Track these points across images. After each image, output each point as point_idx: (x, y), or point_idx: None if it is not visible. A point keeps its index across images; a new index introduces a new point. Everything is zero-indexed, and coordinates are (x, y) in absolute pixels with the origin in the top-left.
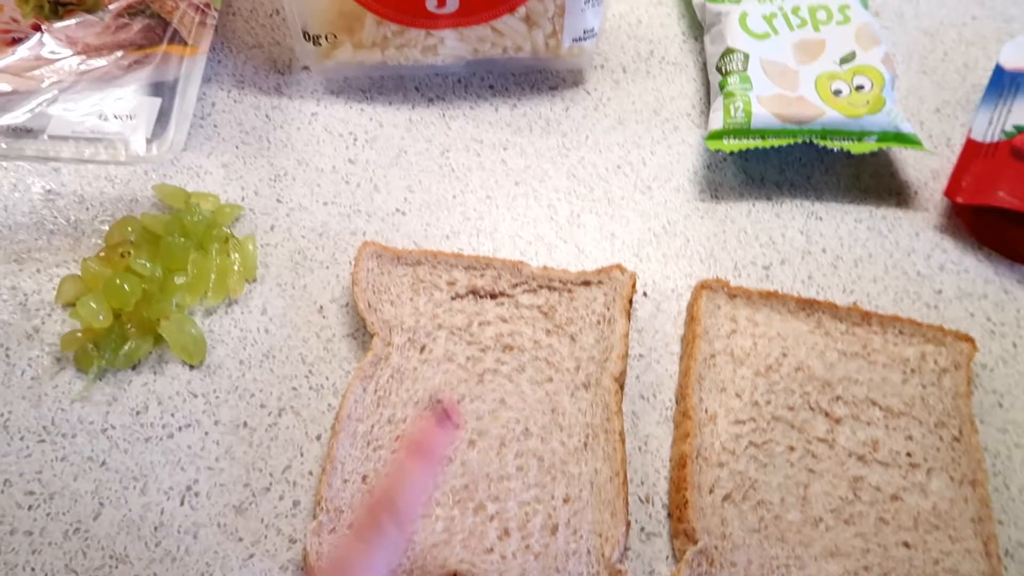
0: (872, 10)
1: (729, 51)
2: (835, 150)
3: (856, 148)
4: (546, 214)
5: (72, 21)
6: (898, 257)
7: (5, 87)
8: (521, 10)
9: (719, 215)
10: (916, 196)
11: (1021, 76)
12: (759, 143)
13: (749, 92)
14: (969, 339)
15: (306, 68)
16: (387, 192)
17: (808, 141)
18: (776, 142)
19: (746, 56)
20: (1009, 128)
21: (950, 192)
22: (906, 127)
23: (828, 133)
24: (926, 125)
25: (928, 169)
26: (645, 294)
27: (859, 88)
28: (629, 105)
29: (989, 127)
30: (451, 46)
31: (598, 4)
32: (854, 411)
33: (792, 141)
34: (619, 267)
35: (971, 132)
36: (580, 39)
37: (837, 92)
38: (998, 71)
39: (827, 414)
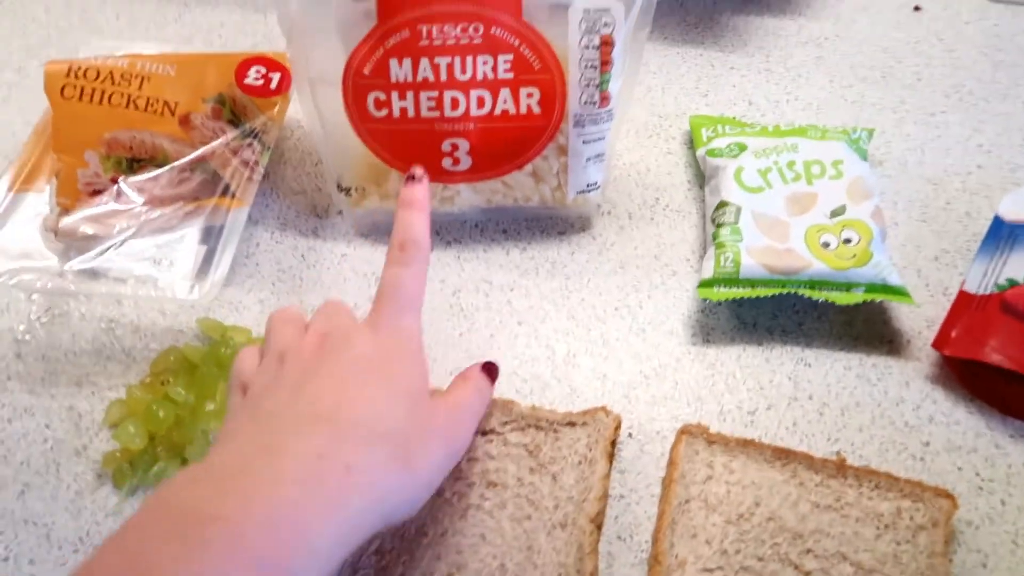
0: (876, 159)
1: (723, 204)
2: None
3: (842, 299)
4: (544, 354)
5: (143, 176)
6: (886, 406)
7: (88, 230)
8: (528, 167)
9: (709, 359)
10: (908, 345)
11: (1019, 228)
12: (748, 292)
13: (739, 243)
14: (949, 496)
15: (340, 213)
16: None
17: (795, 292)
18: (764, 292)
19: (739, 209)
20: (1002, 281)
21: (938, 343)
22: (894, 279)
23: (816, 284)
24: (924, 273)
25: (922, 318)
26: (631, 435)
27: (847, 241)
28: (632, 250)
29: (983, 279)
30: (466, 197)
31: (600, 161)
32: (824, 565)
33: (780, 291)
34: (604, 409)
35: (965, 283)
36: (584, 191)
37: (826, 244)
38: (996, 222)
39: (796, 567)
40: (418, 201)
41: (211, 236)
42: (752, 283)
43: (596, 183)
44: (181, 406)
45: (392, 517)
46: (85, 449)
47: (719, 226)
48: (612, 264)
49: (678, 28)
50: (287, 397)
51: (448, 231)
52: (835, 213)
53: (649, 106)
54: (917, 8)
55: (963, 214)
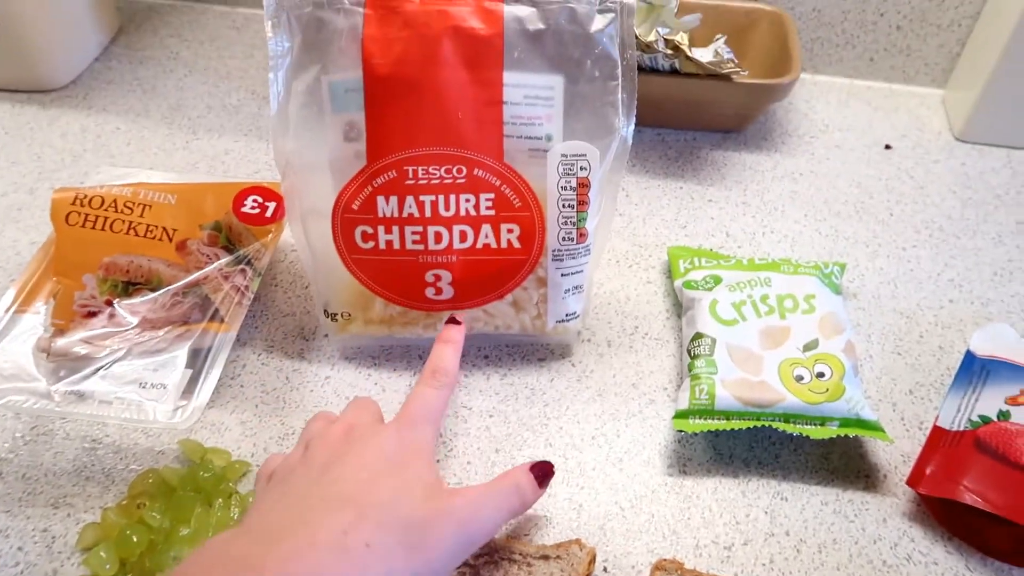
0: (850, 291)
1: (698, 335)
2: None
3: (816, 434)
4: None
5: (138, 300)
6: (863, 544)
7: (80, 351)
8: (509, 297)
9: (686, 491)
10: (885, 480)
11: (991, 363)
12: (722, 424)
13: (714, 375)
14: None
15: (327, 336)
16: None
17: (769, 424)
18: (739, 424)
19: (713, 341)
20: (975, 417)
21: (912, 481)
22: (867, 414)
23: (790, 417)
24: (899, 407)
25: (899, 452)
26: (605, 569)
27: (820, 375)
28: (610, 378)
29: (957, 414)
30: None
31: (579, 292)
32: None
33: (754, 424)
34: (578, 542)
35: (939, 419)
36: (563, 320)
37: (799, 378)
38: (968, 357)
39: None
40: (454, 340)
41: (198, 360)
42: (727, 415)
43: (575, 312)
44: (155, 531)
45: None
46: (56, 574)
47: (694, 357)
48: (591, 392)
49: (659, 162)
50: (315, 476)
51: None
52: (808, 347)
53: (630, 236)
54: (888, 147)
55: (936, 347)
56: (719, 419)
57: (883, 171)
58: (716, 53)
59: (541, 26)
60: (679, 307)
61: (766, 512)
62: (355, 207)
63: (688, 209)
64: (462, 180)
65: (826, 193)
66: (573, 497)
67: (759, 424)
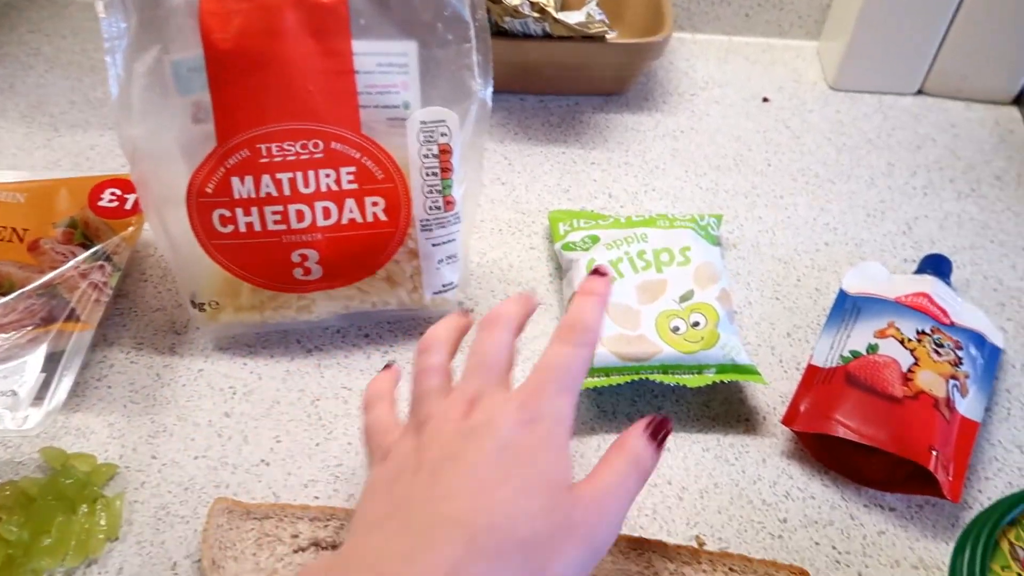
0: (730, 242)
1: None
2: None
3: (693, 382)
4: None
5: None
6: (744, 486)
7: None
8: (381, 272)
9: (570, 450)
10: (765, 422)
11: (862, 300)
12: (602, 381)
13: None
14: (804, 572)
15: (199, 328)
16: (255, 443)
17: (647, 378)
18: (618, 379)
19: None
20: (846, 353)
21: (787, 420)
22: (742, 359)
23: (668, 368)
24: (777, 350)
25: (777, 394)
26: None
27: (695, 325)
28: None
29: (830, 352)
30: (323, 305)
31: (453, 262)
32: None
33: (632, 378)
34: None
35: (812, 357)
36: (441, 292)
37: (675, 329)
38: (840, 295)
39: None
40: (599, 292)
41: (51, 363)
42: (607, 371)
43: (452, 283)
44: (13, 545)
45: None
46: None
47: None
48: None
49: (542, 129)
50: (424, 486)
51: (308, 339)
52: (684, 298)
53: (513, 204)
54: (766, 99)
55: (813, 290)
56: (599, 376)
57: (761, 123)
58: (588, 15)
59: None
60: (561, 270)
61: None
62: (209, 190)
63: (571, 173)
64: (320, 155)
65: (706, 149)
66: None
67: (638, 378)
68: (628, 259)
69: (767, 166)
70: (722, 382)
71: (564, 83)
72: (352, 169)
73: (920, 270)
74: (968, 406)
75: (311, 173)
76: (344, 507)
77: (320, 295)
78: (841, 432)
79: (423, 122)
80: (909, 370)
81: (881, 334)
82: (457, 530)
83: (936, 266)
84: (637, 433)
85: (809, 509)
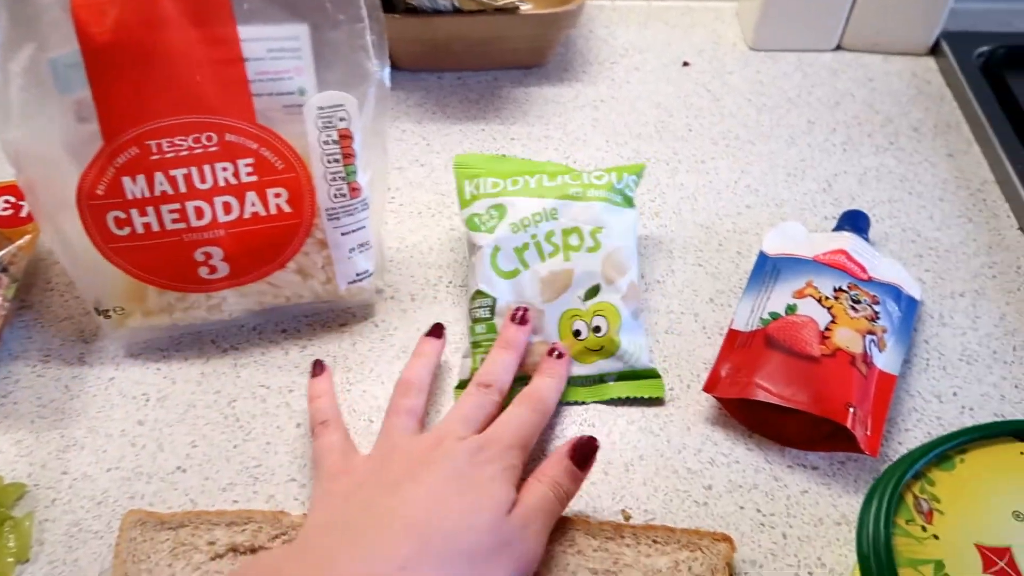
0: (652, 211)
1: (478, 294)
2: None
3: (591, 397)
4: None
5: None
6: (669, 456)
7: None
8: (291, 265)
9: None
10: (689, 389)
11: (782, 261)
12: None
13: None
14: (727, 538)
15: (107, 335)
16: (170, 450)
17: None
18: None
19: (494, 301)
20: (766, 315)
21: (709, 386)
22: (643, 362)
23: (571, 380)
24: (701, 316)
25: (701, 361)
26: None
27: (596, 330)
28: (415, 333)
29: (750, 315)
30: (234, 302)
31: (366, 250)
32: None
33: None
34: None
35: (733, 321)
36: (356, 281)
37: (577, 333)
38: (761, 258)
39: None
40: (559, 375)
41: None
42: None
43: (367, 271)
44: None
45: None
46: None
47: (475, 321)
48: (395, 350)
49: (460, 106)
50: (385, 494)
51: (224, 338)
52: (588, 295)
53: (432, 186)
54: (686, 63)
55: (735, 254)
56: None
57: (682, 88)
58: None
59: None
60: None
61: None
62: (100, 192)
63: (491, 150)
64: (214, 148)
65: (627, 117)
66: None
67: None
68: (535, 244)
69: (688, 131)
70: (618, 398)
71: (480, 58)
72: (250, 161)
73: (839, 227)
74: (886, 360)
75: (207, 168)
76: (262, 509)
77: (230, 293)
78: (761, 396)
79: (320, 108)
80: (826, 328)
81: (799, 294)
82: (411, 532)
83: (853, 222)
84: (558, 459)
85: (734, 474)
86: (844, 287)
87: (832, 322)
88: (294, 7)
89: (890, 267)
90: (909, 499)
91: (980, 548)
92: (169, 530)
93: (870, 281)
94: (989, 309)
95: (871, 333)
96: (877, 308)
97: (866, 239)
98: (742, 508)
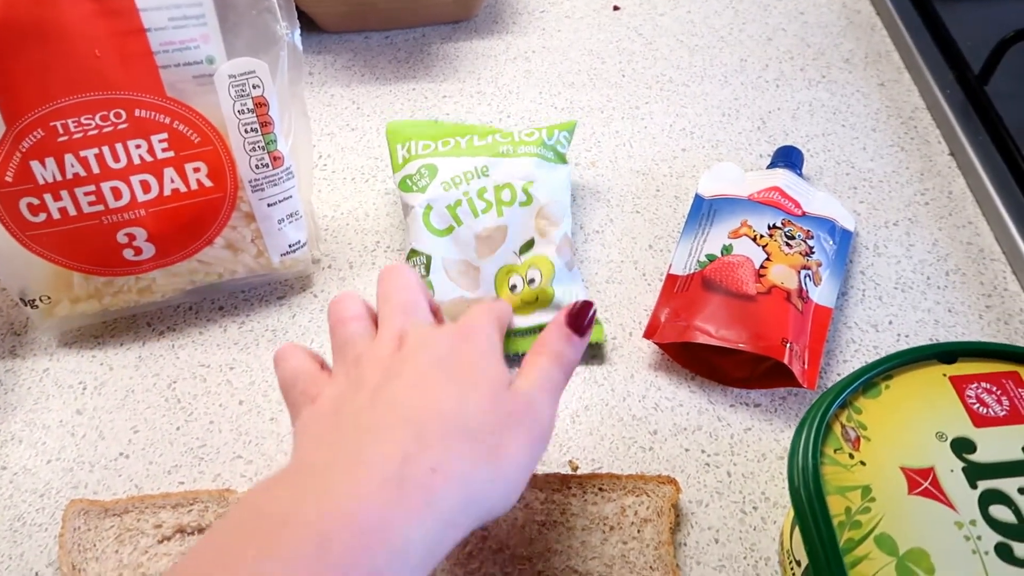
0: (588, 160)
1: (412, 253)
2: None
3: (529, 347)
4: (269, 428)
5: None
6: (613, 404)
7: None
8: (219, 240)
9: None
10: (631, 337)
11: (717, 203)
12: None
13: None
14: (672, 481)
15: (38, 326)
16: (112, 437)
17: None
18: None
19: (429, 259)
20: (703, 258)
21: (648, 333)
22: None
23: (511, 332)
24: (640, 264)
25: (642, 308)
26: None
27: (531, 282)
28: None
29: (688, 258)
30: (165, 283)
31: (296, 219)
32: None
33: None
34: None
35: (671, 266)
36: (289, 252)
37: (513, 287)
38: (697, 200)
39: None
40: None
41: None
42: None
43: (299, 241)
44: None
45: (485, 515)
46: None
47: None
48: None
49: (389, 67)
50: (367, 400)
51: (160, 320)
52: (523, 249)
53: (365, 150)
54: (616, 8)
55: (672, 198)
56: None
57: (613, 34)
58: None
59: None
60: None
61: None
62: (9, 179)
63: (423, 109)
64: (124, 125)
65: (559, 66)
66: None
67: None
68: (468, 201)
69: (621, 77)
70: None
71: (407, 15)
72: (164, 136)
73: (772, 164)
74: (821, 293)
75: (119, 146)
76: (208, 489)
77: (159, 273)
78: (700, 338)
79: (232, 76)
80: (762, 266)
81: (735, 234)
82: (406, 426)
83: (787, 158)
84: (555, 328)
85: (678, 417)
86: (778, 224)
87: (767, 260)
88: None
89: (824, 201)
90: (837, 428)
91: (905, 470)
92: (114, 516)
93: (804, 216)
94: (922, 236)
95: (806, 268)
96: (811, 243)
97: (800, 174)
98: (687, 450)
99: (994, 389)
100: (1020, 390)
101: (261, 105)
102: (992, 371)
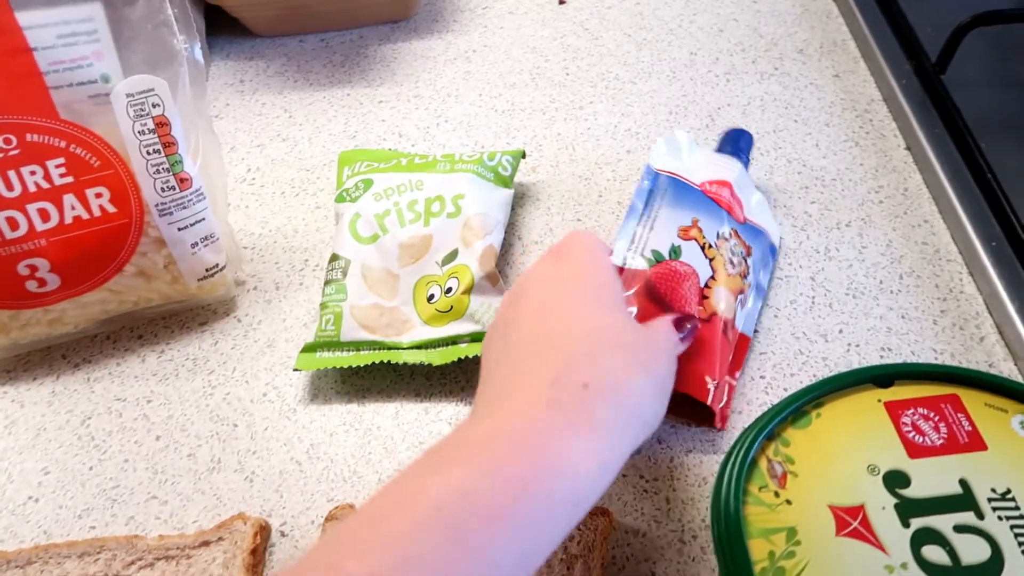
0: (529, 166)
1: (334, 258)
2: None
3: (439, 359)
4: (186, 465)
5: None
6: None
7: None
8: (129, 268)
9: (365, 424)
10: None
11: (671, 183)
12: (349, 359)
13: (343, 302)
14: (605, 512)
15: None
16: (21, 480)
17: (388, 360)
18: (363, 359)
19: (347, 263)
20: (648, 254)
21: None
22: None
23: (417, 345)
24: None
25: None
26: (283, 533)
27: (448, 292)
28: (280, 324)
29: (631, 246)
30: (76, 314)
31: (212, 242)
32: None
33: (374, 360)
34: (241, 516)
35: (612, 252)
36: (207, 276)
37: (431, 297)
38: (648, 172)
39: None
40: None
41: None
42: (357, 345)
43: (217, 265)
44: None
45: (640, 431)
46: None
47: (327, 283)
48: (260, 345)
49: (324, 71)
50: (526, 327)
51: (75, 352)
52: (446, 260)
53: (296, 161)
54: (562, 2)
55: (615, 204)
56: (348, 351)
57: (558, 29)
58: None
59: None
60: None
61: (449, 423)
62: None
63: (357, 116)
64: (15, 151)
65: (501, 66)
66: (245, 466)
67: (379, 360)
68: (396, 211)
69: (565, 75)
70: (467, 357)
71: (343, 16)
72: (60, 161)
73: (721, 148)
74: (745, 319)
75: (11, 174)
76: (116, 536)
77: (68, 304)
78: None
79: (129, 94)
80: (707, 285)
81: (685, 234)
82: (555, 351)
83: (736, 143)
84: (667, 320)
85: None
86: (726, 235)
87: (712, 278)
88: None
89: (759, 206)
90: (763, 463)
91: (833, 509)
92: (16, 568)
93: (745, 224)
94: (876, 237)
95: (742, 293)
96: (749, 262)
97: (747, 162)
98: (624, 476)
99: (932, 415)
100: (959, 415)
101: (163, 125)
102: (930, 395)
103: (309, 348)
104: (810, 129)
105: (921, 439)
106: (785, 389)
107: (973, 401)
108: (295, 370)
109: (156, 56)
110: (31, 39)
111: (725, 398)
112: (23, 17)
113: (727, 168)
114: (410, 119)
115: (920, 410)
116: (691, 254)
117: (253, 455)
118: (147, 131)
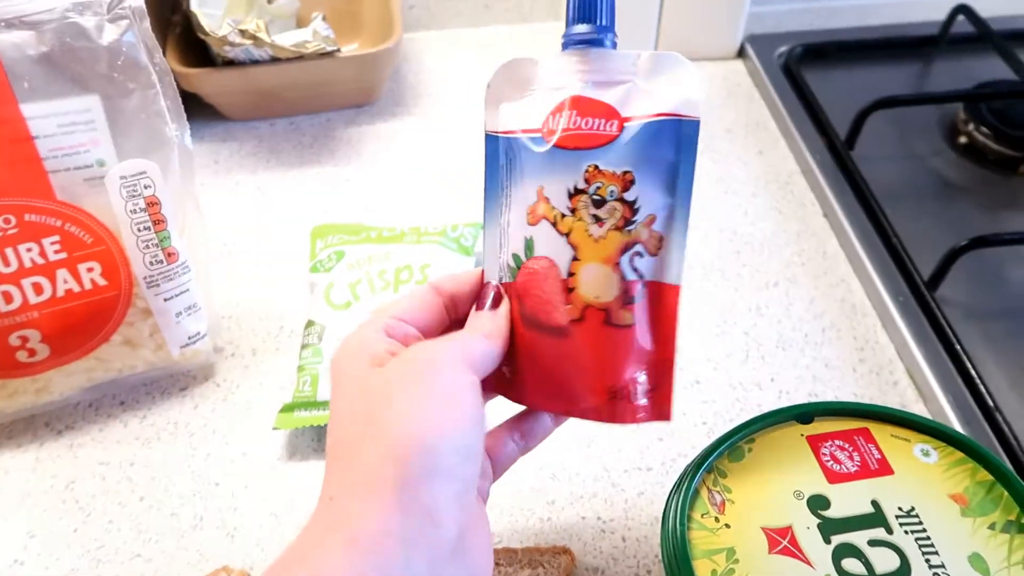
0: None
1: (309, 324)
2: None
3: None
4: (169, 524)
5: None
6: (509, 477)
7: None
8: (116, 337)
9: None
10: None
11: (514, 147)
12: (328, 417)
13: (319, 365)
14: (567, 551)
15: None
16: (6, 543)
17: None
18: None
19: (323, 329)
20: (511, 261)
21: (501, 388)
22: None
23: None
24: None
25: None
26: None
27: None
28: (257, 387)
29: (498, 255)
30: (61, 382)
31: (195, 311)
32: None
33: None
34: (225, 569)
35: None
36: (188, 344)
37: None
38: (489, 142)
39: None
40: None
41: None
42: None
43: (199, 333)
44: None
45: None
46: None
47: (303, 347)
48: (238, 408)
49: (294, 152)
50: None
51: (58, 420)
52: None
53: (269, 235)
54: None
55: None
56: (325, 410)
57: None
58: (314, 32)
59: (44, 49)
60: None
61: None
62: None
63: (326, 194)
64: (13, 231)
65: (457, 146)
66: (226, 523)
67: None
68: (368, 280)
69: None
70: None
71: (310, 102)
72: (56, 238)
73: (566, 41)
74: (662, 266)
75: (9, 251)
76: None
77: (55, 373)
78: (537, 407)
79: (123, 177)
80: (570, 273)
81: (532, 217)
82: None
83: (586, 16)
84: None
85: (574, 486)
86: (580, 185)
87: (574, 259)
88: (81, 80)
89: (661, 82)
90: (704, 493)
91: (765, 530)
92: None
93: (622, 134)
94: (800, 295)
95: (627, 248)
96: (632, 198)
97: (609, 36)
98: (583, 518)
99: (846, 446)
100: (870, 445)
101: (153, 204)
102: (845, 428)
103: (288, 408)
104: (739, 200)
105: (838, 467)
106: (772, 379)
107: (881, 433)
108: (274, 429)
109: (149, 141)
110: (33, 128)
111: (651, 390)
112: (27, 108)
113: (569, 73)
114: (374, 197)
115: (837, 442)
116: (543, 240)
117: (235, 511)
118: (138, 210)
